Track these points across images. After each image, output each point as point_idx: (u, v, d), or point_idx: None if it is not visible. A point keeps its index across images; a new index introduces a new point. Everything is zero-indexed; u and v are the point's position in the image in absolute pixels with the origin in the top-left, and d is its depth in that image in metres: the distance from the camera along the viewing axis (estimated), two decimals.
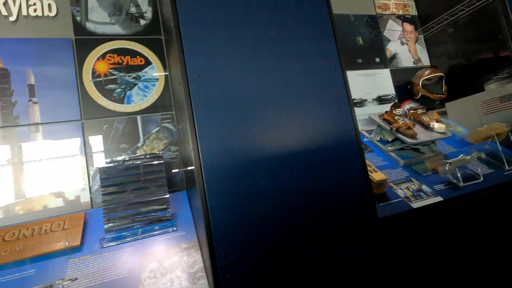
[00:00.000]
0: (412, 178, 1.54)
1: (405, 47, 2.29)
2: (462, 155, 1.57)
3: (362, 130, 1.93)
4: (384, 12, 2.28)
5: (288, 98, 1.16)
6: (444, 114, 2.20)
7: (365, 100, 2.05)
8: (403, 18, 2.34)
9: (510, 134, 1.74)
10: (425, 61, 2.34)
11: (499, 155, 1.77)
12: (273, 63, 1.17)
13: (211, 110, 1.04)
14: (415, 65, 2.29)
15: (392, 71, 2.19)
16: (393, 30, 2.27)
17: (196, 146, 1.00)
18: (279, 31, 1.21)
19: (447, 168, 1.47)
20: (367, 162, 1.46)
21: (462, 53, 2.12)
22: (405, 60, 2.26)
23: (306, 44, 1.24)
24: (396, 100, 2.15)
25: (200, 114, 1.03)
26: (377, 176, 1.37)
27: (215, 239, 0.97)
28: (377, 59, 2.16)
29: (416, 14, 2.40)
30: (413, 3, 2.41)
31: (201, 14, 1.11)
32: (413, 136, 1.59)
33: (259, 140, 1.07)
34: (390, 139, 1.76)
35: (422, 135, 1.64)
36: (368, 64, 2.12)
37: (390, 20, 2.28)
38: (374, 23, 2.22)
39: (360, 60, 2.10)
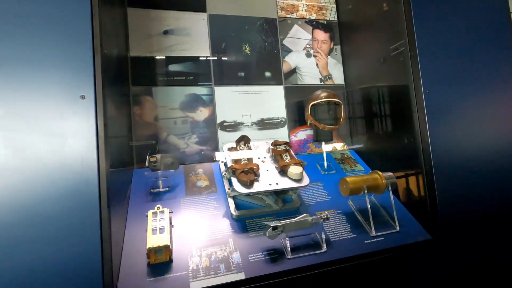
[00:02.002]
0: (232, 240, 1.20)
1: (312, 60, 1.88)
2: (305, 214, 1.20)
3: (222, 161, 1.58)
4: (289, 16, 1.86)
5: None
6: None
7: (241, 123, 1.68)
8: (315, 24, 1.91)
9: (389, 187, 1.35)
10: (338, 79, 1.92)
11: (379, 214, 1.39)
12: None
13: None
14: (323, 83, 1.88)
15: (287, 89, 1.80)
16: (297, 38, 1.86)
17: None
18: None
19: (267, 234, 1.12)
20: (167, 213, 1.13)
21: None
22: (309, 76, 1.86)
23: (30, 54, 0.90)
24: (287, 126, 1.77)
25: None
26: (155, 241, 1.04)
27: None
28: (268, 74, 1.77)
29: (336, 19, 1.96)
30: (334, 5, 1.97)
31: None
32: (246, 184, 1.23)
33: None
34: None
35: (264, 183, 1.28)
36: (254, 79, 1.74)
37: (295, 25, 1.87)
38: (272, 28, 1.82)
39: (242, 74, 1.72)
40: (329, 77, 1.89)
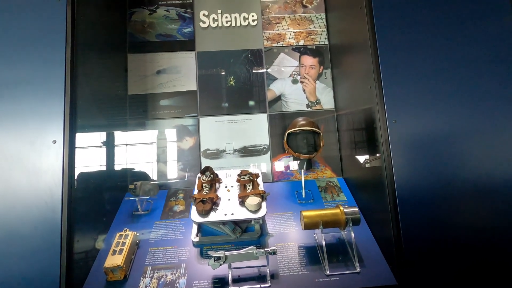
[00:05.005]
0: (184, 265, 1.30)
1: (298, 86, 1.88)
2: (251, 246, 1.23)
3: None
4: (275, 45, 1.91)
5: None
6: None
7: (223, 151, 1.79)
8: (302, 50, 1.91)
9: (350, 224, 1.27)
10: (327, 103, 1.87)
11: (344, 251, 1.32)
12: None
13: None
14: (310, 109, 1.86)
15: (271, 117, 1.84)
16: (283, 65, 1.89)
17: None
18: None
19: (208, 263, 1.19)
20: (130, 236, 1.31)
21: None
22: (296, 102, 1.86)
23: None
24: (269, 153, 1.81)
25: None
26: (111, 261, 1.22)
27: None
28: (251, 103, 1.85)
29: (326, 42, 1.93)
30: (324, 29, 1.94)
31: None
32: (201, 213, 1.33)
33: None
34: None
35: (220, 213, 1.35)
36: (238, 108, 1.84)
37: (282, 53, 1.90)
38: (257, 58, 1.89)
39: (226, 104, 1.84)
40: (317, 102, 1.86)
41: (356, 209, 1.30)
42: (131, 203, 1.61)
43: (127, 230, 1.36)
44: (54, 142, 1.17)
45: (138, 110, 1.79)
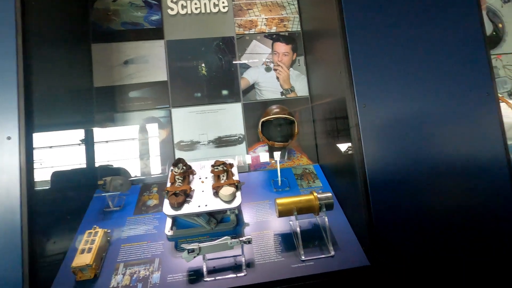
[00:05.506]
0: (158, 259, 1.27)
1: (272, 74, 1.85)
2: (225, 237, 1.22)
3: None
4: (247, 32, 1.87)
5: None
6: None
7: (198, 142, 1.75)
8: (275, 37, 1.88)
9: (323, 209, 1.28)
10: (301, 91, 1.86)
11: (319, 236, 1.34)
12: None
13: None
14: (284, 97, 1.85)
15: (246, 106, 1.81)
16: (256, 53, 1.86)
17: None
18: None
19: (182, 256, 1.16)
20: (100, 234, 1.26)
21: None
22: (269, 90, 1.84)
23: None
24: (245, 142, 1.79)
25: None
26: (79, 260, 1.17)
27: None
28: (224, 92, 1.81)
29: (299, 29, 1.90)
30: (297, 15, 1.91)
31: None
32: (173, 206, 1.30)
33: None
34: None
35: (194, 205, 1.32)
36: (211, 98, 1.79)
37: (254, 41, 1.87)
38: (229, 46, 1.84)
39: (199, 94, 1.79)
40: (292, 89, 1.85)
41: (329, 194, 1.31)
42: (102, 199, 1.55)
43: (97, 227, 1.31)
44: (9, 138, 1.10)
45: (106, 103, 1.71)
